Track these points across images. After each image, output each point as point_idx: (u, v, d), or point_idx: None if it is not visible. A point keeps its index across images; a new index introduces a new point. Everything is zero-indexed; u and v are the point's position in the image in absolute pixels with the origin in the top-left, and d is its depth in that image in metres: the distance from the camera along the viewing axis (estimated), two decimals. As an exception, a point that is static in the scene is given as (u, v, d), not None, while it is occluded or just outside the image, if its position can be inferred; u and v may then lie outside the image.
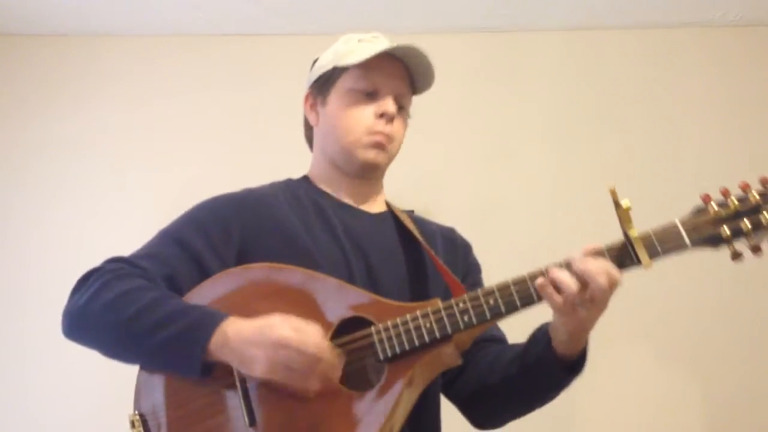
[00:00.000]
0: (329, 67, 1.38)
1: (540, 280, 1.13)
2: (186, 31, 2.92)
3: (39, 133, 2.83)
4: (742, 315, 2.66)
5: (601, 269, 1.10)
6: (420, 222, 1.45)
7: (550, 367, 1.19)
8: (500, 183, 2.82)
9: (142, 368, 1.21)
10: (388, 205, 1.46)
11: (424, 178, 2.65)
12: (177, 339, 1.12)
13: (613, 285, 1.11)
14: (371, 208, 1.41)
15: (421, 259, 1.36)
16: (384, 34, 1.40)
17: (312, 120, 1.43)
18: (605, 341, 2.23)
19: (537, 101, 2.92)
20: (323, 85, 1.40)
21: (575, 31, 2.97)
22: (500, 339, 1.41)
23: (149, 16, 2.84)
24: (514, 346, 1.33)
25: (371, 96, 1.34)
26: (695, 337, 2.66)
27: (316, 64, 1.44)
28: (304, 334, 1.09)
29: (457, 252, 1.46)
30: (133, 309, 1.13)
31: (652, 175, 2.83)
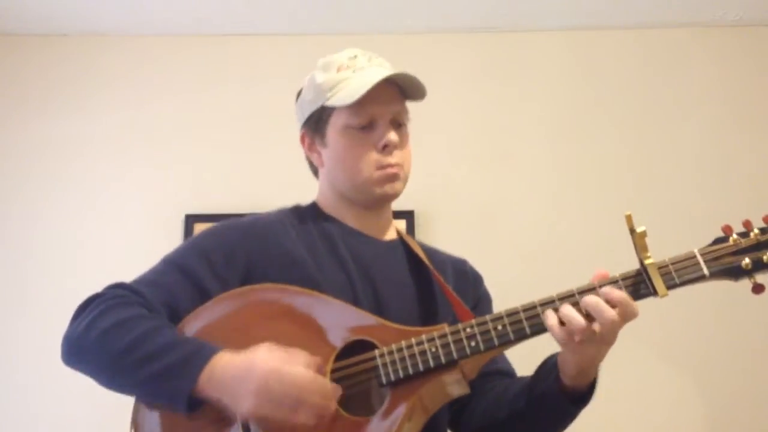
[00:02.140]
0: (316, 106, 1.34)
1: (549, 321, 1.09)
2: (186, 31, 2.92)
3: (39, 132, 2.83)
4: (743, 315, 2.66)
5: (610, 303, 1.07)
6: (431, 251, 1.43)
7: (558, 402, 1.16)
8: (500, 183, 2.82)
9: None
10: (398, 233, 1.43)
11: (424, 179, 2.64)
12: (165, 373, 1.10)
13: (629, 318, 1.09)
14: (381, 236, 1.39)
15: (430, 287, 1.33)
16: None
17: (315, 161, 1.39)
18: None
19: (537, 101, 2.92)
20: (316, 125, 1.36)
21: (575, 31, 2.97)
22: (508, 372, 1.38)
23: (149, 16, 2.84)
24: (521, 379, 1.30)
25: (368, 128, 1.31)
26: (695, 338, 2.66)
27: (301, 98, 1.41)
28: (289, 366, 1.06)
29: (468, 283, 1.43)
30: (127, 340, 1.11)
31: (651, 174, 2.83)
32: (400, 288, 1.31)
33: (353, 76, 1.31)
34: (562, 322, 1.09)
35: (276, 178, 2.60)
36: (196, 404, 1.10)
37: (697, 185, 2.82)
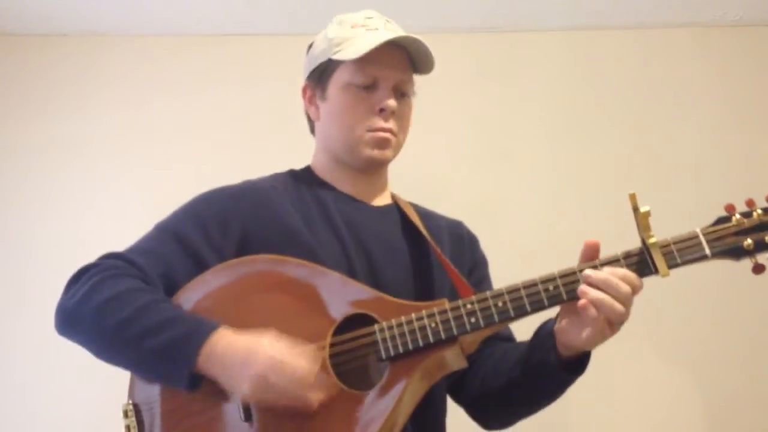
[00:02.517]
0: (324, 58, 1.34)
1: (582, 302, 1.08)
2: (186, 31, 2.92)
3: (39, 132, 2.83)
4: (743, 314, 2.66)
5: (619, 281, 1.08)
6: (426, 215, 1.42)
7: (554, 372, 1.17)
8: (500, 182, 2.82)
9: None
10: (393, 197, 1.43)
11: (425, 178, 2.64)
12: (165, 350, 1.09)
13: (637, 293, 1.09)
14: (375, 201, 1.38)
15: (425, 254, 1.33)
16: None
17: (312, 114, 1.39)
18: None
19: (537, 101, 2.92)
20: (320, 77, 1.35)
21: (575, 31, 2.97)
22: (507, 337, 1.39)
23: (149, 16, 2.84)
24: (519, 345, 1.31)
25: (370, 89, 1.30)
26: (696, 337, 2.66)
27: (311, 52, 1.40)
28: (291, 359, 1.06)
29: (464, 246, 1.43)
30: (124, 314, 1.11)
31: (651, 174, 2.83)
32: (394, 256, 1.30)
33: (365, 34, 1.31)
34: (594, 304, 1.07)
35: (276, 178, 2.60)
36: (196, 381, 1.10)
37: (697, 185, 2.82)
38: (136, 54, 2.92)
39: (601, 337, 1.10)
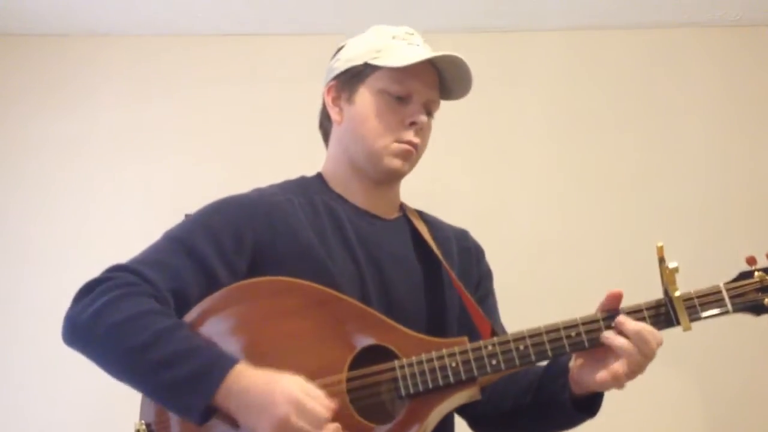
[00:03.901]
0: (360, 61, 1.30)
1: (612, 345, 1.11)
2: (186, 31, 2.92)
3: (39, 132, 2.83)
4: (746, 318, 2.65)
5: (650, 335, 1.10)
6: (434, 226, 1.41)
7: (565, 407, 1.17)
8: (500, 183, 2.82)
9: None
10: (402, 208, 1.42)
11: (425, 179, 2.64)
12: (182, 384, 1.07)
13: (658, 347, 1.12)
14: (386, 214, 1.36)
15: (437, 270, 1.32)
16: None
17: (334, 116, 1.34)
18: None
19: (537, 101, 2.92)
20: (351, 79, 1.31)
21: (575, 31, 2.97)
22: None
23: (149, 16, 2.84)
24: (529, 371, 1.28)
25: (402, 101, 1.29)
26: (696, 338, 2.65)
27: (342, 54, 1.36)
28: (311, 401, 1.04)
29: (471, 259, 1.42)
30: (140, 339, 1.08)
31: (651, 174, 2.83)
32: (406, 272, 1.30)
33: (407, 47, 1.30)
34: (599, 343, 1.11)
35: (276, 178, 2.60)
36: (210, 415, 1.08)
37: (697, 185, 2.82)
38: (136, 54, 2.92)
39: (616, 384, 1.12)
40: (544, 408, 1.20)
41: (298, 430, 1.03)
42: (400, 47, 1.30)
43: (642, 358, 1.09)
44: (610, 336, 1.10)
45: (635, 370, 1.10)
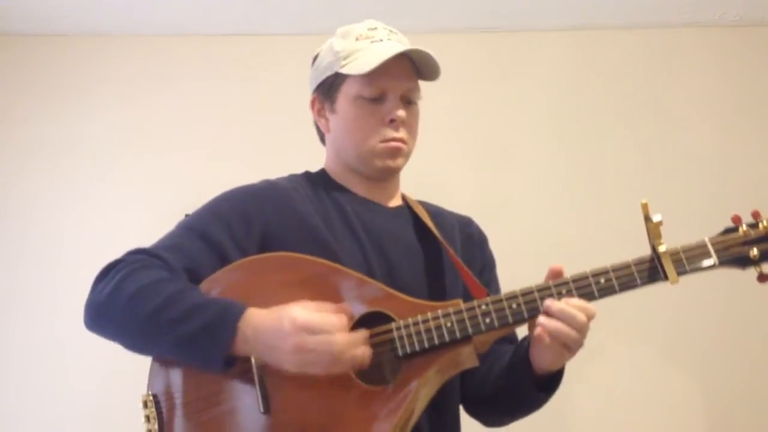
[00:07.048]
0: (330, 72, 1.35)
1: (537, 331, 1.14)
2: (186, 31, 2.92)
3: (39, 132, 2.83)
4: (746, 318, 2.66)
5: (575, 310, 1.12)
6: (436, 214, 1.45)
7: (530, 389, 1.22)
8: (501, 183, 2.83)
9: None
10: (404, 197, 1.45)
11: (425, 179, 2.64)
12: (199, 335, 1.12)
13: (590, 320, 1.14)
14: (389, 203, 1.41)
15: (439, 254, 1.36)
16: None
17: (323, 127, 1.41)
18: (607, 342, 2.24)
19: (537, 101, 2.92)
20: (328, 90, 1.37)
21: (575, 31, 2.97)
22: (511, 340, 1.40)
23: (149, 16, 2.84)
24: (507, 353, 1.34)
25: (378, 101, 1.32)
26: (696, 338, 2.66)
27: (317, 64, 1.41)
28: (326, 316, 1.09)
29: (474, 245, 1.45)
30: (155, 302, 1.13)
31: (651, 173, 2.83)
32: (410, 256, 1.33)
33: (370, 47, 1.33)
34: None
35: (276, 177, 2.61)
36: (231, 362, 1.13)
37: (697, 184, 2.82)
38: (136, 54, 2.92)
39: (560, 360, 1.17)
40: (514, 391, 1.25)
41: (316, 346, 1.08)
42: (365, 49, 1.33)
43: (574, 332, 1.12)
44: (541, 320, 1.14)
45: (571, 344, 1.13)
